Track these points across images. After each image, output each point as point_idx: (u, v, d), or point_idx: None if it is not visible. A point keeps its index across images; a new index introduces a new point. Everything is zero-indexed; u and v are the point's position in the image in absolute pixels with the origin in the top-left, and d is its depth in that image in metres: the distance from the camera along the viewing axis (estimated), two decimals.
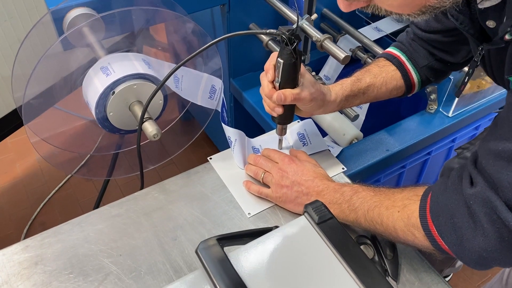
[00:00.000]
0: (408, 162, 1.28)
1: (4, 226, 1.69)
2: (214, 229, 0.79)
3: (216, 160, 0.90)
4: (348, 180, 0.89)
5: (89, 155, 1.00)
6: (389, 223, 0.66)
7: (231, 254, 0.59)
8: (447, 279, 1.56)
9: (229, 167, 0.88)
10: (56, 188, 1.81)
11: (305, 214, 0.64)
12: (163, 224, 0.79)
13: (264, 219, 0.81)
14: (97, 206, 1.33)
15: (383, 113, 1.46)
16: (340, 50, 1.02)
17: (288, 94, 0.75)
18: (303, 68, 0.77)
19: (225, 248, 0.60)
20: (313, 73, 1.27)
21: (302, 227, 0.62)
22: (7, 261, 0.74)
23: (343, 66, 1.29)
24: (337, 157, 0.96)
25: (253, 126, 1.53)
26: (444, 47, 0.88)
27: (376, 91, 0.89)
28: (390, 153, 1.12)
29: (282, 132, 0.85)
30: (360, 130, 1.17)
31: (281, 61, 0.72)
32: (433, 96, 1.25)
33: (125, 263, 0.74)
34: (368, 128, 1.26)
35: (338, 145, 1.15)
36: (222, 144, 1.85)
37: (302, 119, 0.97)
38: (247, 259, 0.58)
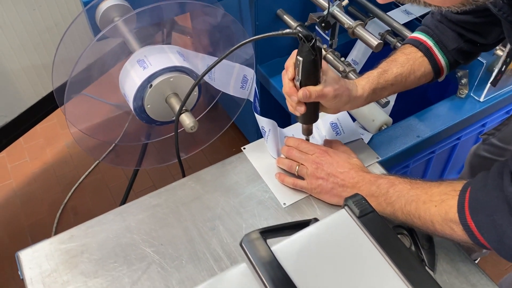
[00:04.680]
0: (438, 148, 1.27)
1: (37, 211, 1.75)
2: (251, 219, 0.80)
3: (250, 150, 0.91)
4: (383, 170, 0.89)
5: (113, 144, 1.02)
6: (427, 217, 0.67)
7: (275, 248, 0.60)
8: (476, 261, 1.57)
9: (262, 157, 0.90)
10: (86, 173, 1.85)
11: (346, 207, 0.65)
12: (201, 213, 0.81)
13: (299, 209, 0.82)
14: (127, 193, 1.36)
15: (410, 96, 1.44)
16: (372, 37, 1.01)
17: (312, 90, 0.74)
18: (325, 65, 0.77)
19: (267, 241, 0.62)
20: (342, 59, 1.26)
21: (343, 221, 0.63)
22: (55, 250, 0.77)
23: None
24: (367, 144, 0.96)
25: (280, 113, 1.53)
26: (475, 28, 0.85)
27: (404, 81, 0.88)
28: (420, 139, 1.12)
29: (308, 132, 0.85)
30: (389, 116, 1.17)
31: (300, 58, 0.72)
32: (464, 81, 1.23)
33: (166, 252, 0.76)
34: (394, 112, 1.26)
35: (367, 131, 1.15)
36: (245, 128, 1.87)
37: None
38: (291, 253, 0.60)
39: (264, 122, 0.87)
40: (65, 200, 1.77)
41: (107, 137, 0.96)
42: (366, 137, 1.03)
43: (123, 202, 1.42)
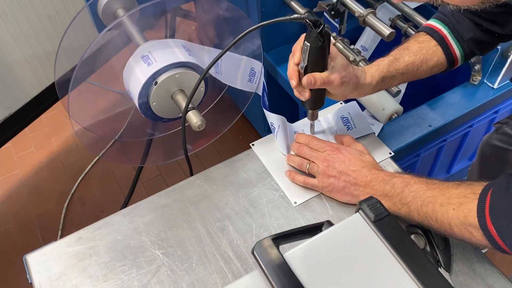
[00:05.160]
0: (449, 136, 1.25)
1: (45, 201, 1.75)
2: (261, 219, 0.79)
3: (259, 146, 0.89)
4: (396, 166, 0.87)
5: (113, 139, 1.00)
6: (444, 220, 0.65)
7: (288, 256, 0.58)
8: (483, 251, 1.55)
9: (272, 154, 0.87)
10: (92, 162, 1.84)
11: (360, 211, 0.63)
12: (210, 214, 0.80)
13: (310, 208, 0.80)
14: (134, 184, 1.35)
15: (420, 82, 1.40)
16: (384, 26, 0.97)
17: (318, 77, 0.73)
18: (334, 50, 0.75)
19: (280, 247, 0.60)
20: (352, 46, 1.22)
21: (357, 226, 0.61)
22: (63, 253, 0.75)
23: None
24: (378, 135, 0.94)
25: (287, 103, 1.51)
26: (493, 18, 0.82)
27: (416, 70, 0.85)
28: (432, 129, 1.09)
29: (313, 117, 0.83)
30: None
31: (308, 44, 0.70)
32: (477, 67, 1.19)
33: (176, 254, 0.75)
34: (404, 99, 1.22)
35: (377, 120, 1.12)
36: (252, 116, 1.84)
37: (346, 101, 0.94)
38: (304, 260, 0.58)
39: (273, 118, 0.85)
40: (72, 191, 1.76)
41: (109, 132, 0.94)
42: (377, 128, 1.01)
43: (131, 192, 1.41)
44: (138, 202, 0.82)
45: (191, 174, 0.87)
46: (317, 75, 0.73)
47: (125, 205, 1.43)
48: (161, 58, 0.80)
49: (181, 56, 0.82)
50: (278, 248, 0.59)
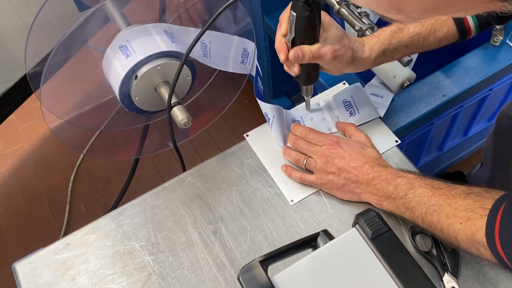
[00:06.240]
0: (466, 102, 1.16)
1: (51, 174, 1.74)
2: (255, 220, 0.74)
3: (254, 138, 0.82)
4: (402, 155, 0.80)
5: (99, 130, 0.95)
6: (450, 233, 0.59)
7: (277, 279, 0.54)
8: None
9: (267, 145, 0.81)
10: (96, 134, 1.80)
11: (357, 226, 0.57)
12: (202, 215, 0.75)
13: (308, 206, 0.75)
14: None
15: None
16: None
17: (306, 51, 0.66)
18: (328, 20, 0.67)
19: (270, 267, 0.56)
20: (359, 10, 1.11)
21: (353, 244, 0.56)
22: (51, 261, 0.73)
23: None
24: (388, 107, 0.88)
25: None
26: None
27: (422, 42, 0.76)
28: (447, 98, 1.01)
29: (308, 93, 0.77)
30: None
31: (294, 14, 0.63)
32: (499, 26, 1.08)
33: (167, 261, 0.72)
34: (416, 63, 1.13)
35: (387, 88, 1.03)
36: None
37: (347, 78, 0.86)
38: (294, 285, 0.54)
39: (267, 109, 0.78)
40: (78, 163, 1.74)
41: (94, 124, 0.88)
42: (387, 100, 0.93)
43: (134, 166, 1.37)
44: (126, 203, 0.78)
45: (184, 170, 0.82)
46: (306, 48, 0.66)
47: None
48: (140, 49, 0.73)
49: (162, 44, 0.74)
50: (266, 271, 0.55)
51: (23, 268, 0.73)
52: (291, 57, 0.67)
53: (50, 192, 1.69)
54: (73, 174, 1.72)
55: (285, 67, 0.72)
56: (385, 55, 0.75)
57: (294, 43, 0.67)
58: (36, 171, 1.75)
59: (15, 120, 1.88)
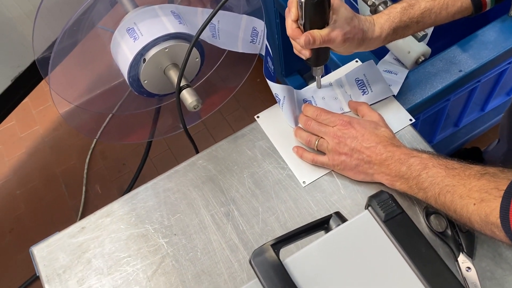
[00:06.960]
0: (483, 77, 1.12)
1: (67, 156, 1.76)
2: (267, 202, 0.74)
3: (264, 119, 0.81)
4: (416, 134, 0.78)
5: (111, 114, 0.94)
6: (463, 214, 0.58)
7: (289, 262, 0.54)
8: None
9: (278, 126, 0.80)
10: (110, 116, 1.81)
11: (369, 208, 0.57)
12: (214, 197, 0.75)
13: (321, 188, 0.74)
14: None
15: None
16: None
17: (317, 36, 0.65)
18: (337, 1, 0.66)
19: (283, 250, 0.56)
20: None
21: (365, 226, 0.56)
22: (67, 245, 0.74)
23: None
24: (403, 84, 0.86)
25: None
26: None
27: (434, 18, 0.74)
28: (463, 74, 0.98)
29: (318, 73, 0.77)
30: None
31: (302, 0, 0.62)
32: None
33: (180, 243, 0.72)
34: (431, 37, 1.09)
35: (402, 64, 1.01)
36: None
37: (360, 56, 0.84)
38: (305, 267, 0.54)
39: (277, 89, 0.76)
40: (93, 145, 1.76)
41: (105, 108, 0.88)
42: (401, 77, 0.91)
43: (148, 148, 1.38)
44: (139, 187, 0.78)
45: (196, 152, 0.81)
46: (316, 33, 0.66)
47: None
48: (147, 31, 0.72)
49: (170, 26, 0.73)
50: (278, 254, 0.55)
51: (40, 251, 0.74)
52: (301, 42, 0.67)
53: (66, 174, 1.72)
54: (88, 156, 1.74)
55: (295, 51, 0.72)
56: (396, 33, 0.73)
57: (305, 28, 0.67)
58: (52, 154, 1.77)
59: (29, 104, 1.90)
